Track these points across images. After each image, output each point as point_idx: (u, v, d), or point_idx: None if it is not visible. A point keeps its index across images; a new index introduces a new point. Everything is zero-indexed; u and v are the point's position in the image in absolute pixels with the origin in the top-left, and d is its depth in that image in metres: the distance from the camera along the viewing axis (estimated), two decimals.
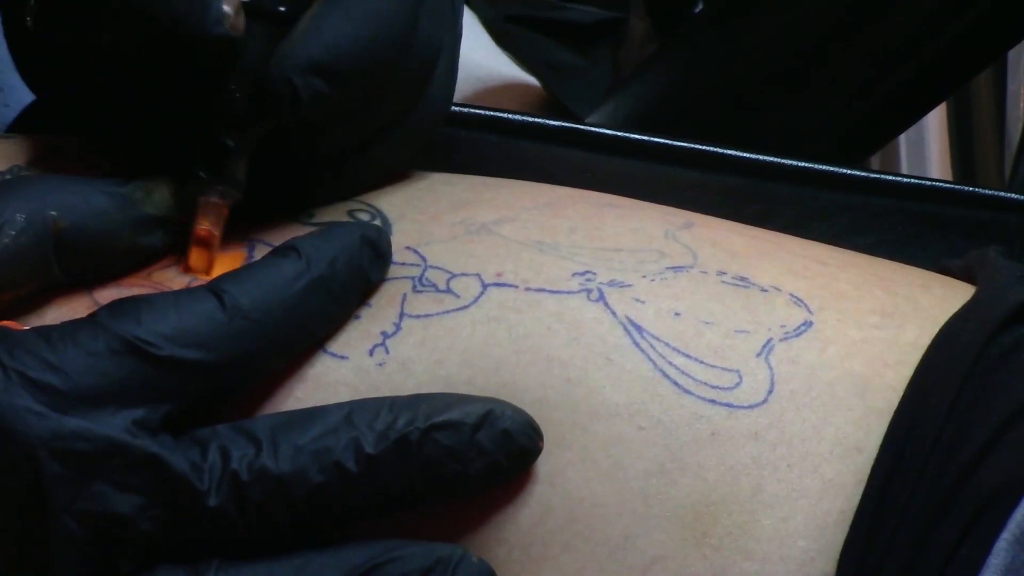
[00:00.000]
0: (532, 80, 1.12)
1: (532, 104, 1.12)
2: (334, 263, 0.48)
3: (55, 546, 0.44)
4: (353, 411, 0.46)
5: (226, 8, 0.49)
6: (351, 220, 0.51)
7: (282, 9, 0.50)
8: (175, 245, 0.51)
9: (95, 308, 0.47)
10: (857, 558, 0.46)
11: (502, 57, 1.12)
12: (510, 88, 1.13)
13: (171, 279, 0.51)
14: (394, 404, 0.46)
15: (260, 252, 0.51)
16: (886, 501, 0.47)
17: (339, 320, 0.49)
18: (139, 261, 0.51)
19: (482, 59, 1.12)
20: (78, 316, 0.47)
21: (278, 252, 0.48)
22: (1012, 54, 1.18)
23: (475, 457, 0.46)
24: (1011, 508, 0.46)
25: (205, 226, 0.50)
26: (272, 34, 0.50)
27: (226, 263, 0.51)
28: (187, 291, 0.46)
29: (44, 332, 0.45)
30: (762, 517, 0.47)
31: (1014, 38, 0.86)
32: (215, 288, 0.46)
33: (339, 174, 0.54)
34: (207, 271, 0.51)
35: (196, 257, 0.50)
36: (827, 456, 0.48)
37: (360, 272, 0.49)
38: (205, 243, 0.50)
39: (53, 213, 0.48)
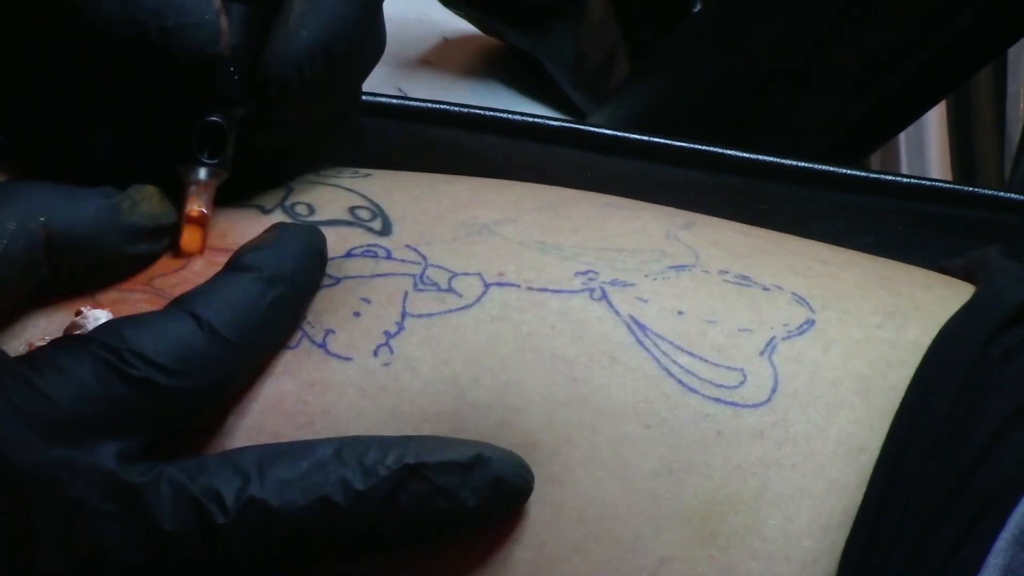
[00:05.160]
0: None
1: (498, 59, 1.12)
2: (294, 277, 0.48)
3: (40, 573, 0.44)
4: (343, 447, 0.46)
5: (223, 25, 0.49)
6: (301, 228, 0.51)
7: (246, 8, 0.50)
8: (168, 250, 0.51)
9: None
10: (859, 558, 0.46)
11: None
12: (473, 40, 1.13)
13: (173, 286, 0.50)
14: (384, 442, 0.46)
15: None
16: (888, 501, 0.47)
17: (293, 330, 0.49)
18: (131, 268, 0.51)
19: (444, 17, 1.12)
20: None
21: (238, 268, 0.48)
22: (1012, 54, 1.18)
23: (466, 497, 0.46)
24: (1011, 508, 0.47)
25: (197, 207, 0.50)
26: (248, 13, 0.51)
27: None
28: (166, 314, 0.46)
29: (29, 358, 0.45)
30: (768, 517, 0.47)
31: (1014, 36, 0.86)
32: (191, 310, 0.46)
33: (278, 167, 0.55)
34: (200, 251, 0.51)
35: (188, 238, 0.51)
36: (831, 456, 0.48)
37: (313, 281, 0.50)
38: (198, 223, 0.51)
39: (42, 220, 0.48)
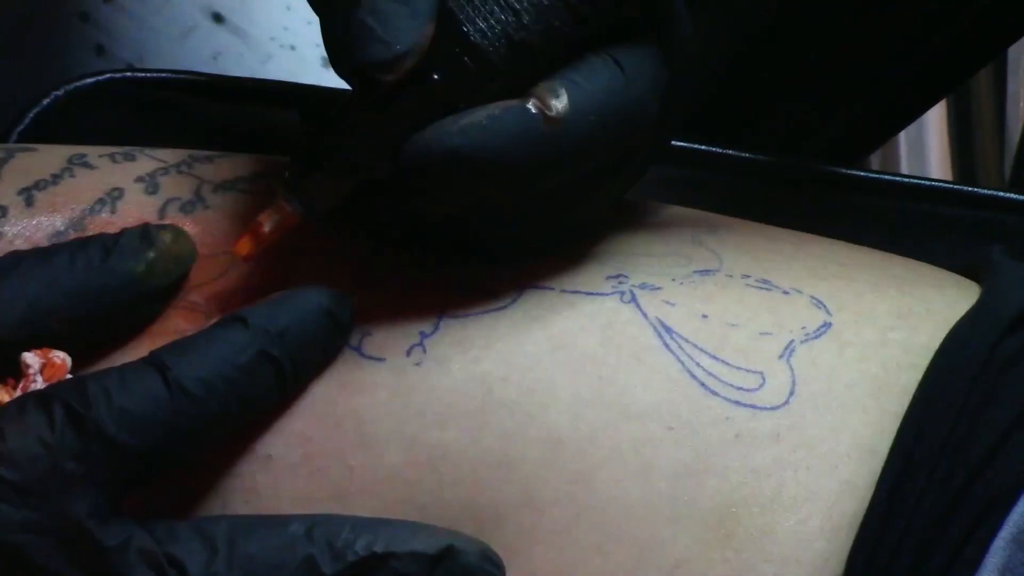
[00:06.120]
0: None
1: None
2: (284, 335, 0.47)
3: None
4: (315, 525, 0.45)
5: (406, 63, 0.46)
6: (314, 288, 0.49)
7: (436, 77, 0.47)
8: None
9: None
10: (866, 560, 0.47)
11: None
12: None
13: (207, 297, 0.51)
14: (356, 524, 0.46)
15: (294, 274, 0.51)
16: (895, 503, 0.47)
17: (290, 391, 0.48)
18: (144, 324, 0.50)
19: None
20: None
21: (227, 321, 0.47)
22: (1012, 54, 1.18)
23: None
24: (1010, 507, 0.47)
25: (263, 224, 0.49)
26: (424, 99, 0.47)
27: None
28: (132, 367, 0.46)
29: None
30: (782, 519, 0.48)
31: (1014, 36, 0.85)
32: (160, 364, 0.46)
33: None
34: (247, 258, 0.50)
35: (242, 243, 0.49)
36: (844, 458, 0.48)
37: (315, 344, 0.48)
38: (255, 236, 0.49)
39: (54, 310, 0.48)
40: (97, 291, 0.49)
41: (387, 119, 0.47)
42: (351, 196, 0.49)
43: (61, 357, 0.47)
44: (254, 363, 0.47)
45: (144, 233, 0.50)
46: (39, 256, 0.49)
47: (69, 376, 0.47)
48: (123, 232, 0.50)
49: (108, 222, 0.53)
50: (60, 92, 0.70)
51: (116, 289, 0.49)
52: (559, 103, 0.46)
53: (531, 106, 0.46)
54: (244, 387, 0.46)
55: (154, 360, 0.46)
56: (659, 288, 0.52)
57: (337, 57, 0.48)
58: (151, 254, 0.49)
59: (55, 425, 0.44)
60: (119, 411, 0.44)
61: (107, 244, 0.49)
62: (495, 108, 0.46)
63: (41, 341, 0.48)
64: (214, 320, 0.49)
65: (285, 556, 0.45)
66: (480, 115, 0.46)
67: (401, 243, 0.53)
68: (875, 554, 0.47)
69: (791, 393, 0.50)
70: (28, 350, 0.47)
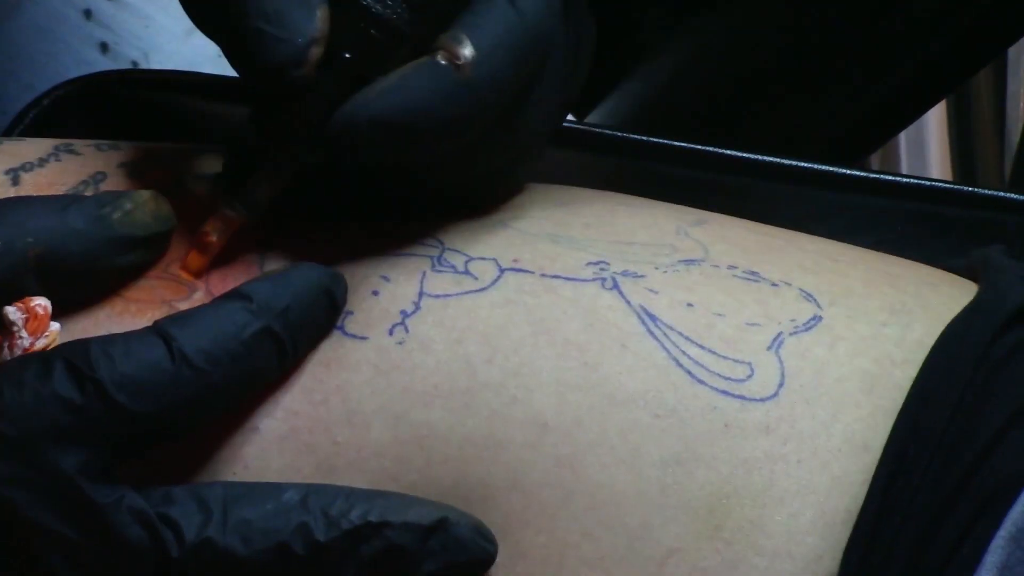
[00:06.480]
0: None
1: None
2: (287, 312, 0.48)
3: None
4: (310, 494, 0.46)
5: (311, 55, 0.48)
6: (313, 266, 0.50)
7: (347, 56, 0.49)
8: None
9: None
10: (860, 557, 0.47)
11: None
12: None
13: (179, 278, 0.51)
14: (351, 495, 0.46)
15: (271, 262, 0.52)
16: (890, 500, 0.47)
17: (288, 367, 0.49)
18: (128, 277, 0.51)
19: None
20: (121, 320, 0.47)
21: (231, 296, 0.48)
22: (1012, 54, 1.18)
23: (424, 560, 0.46)
24: (1009, 506, 0.47)
25: (210, 234, 0.50)
26: (340, 77, 0.49)
27: (236, 271, 0.51)
28: (138, 335, 0.46)
29: None
30: (773, 512, 0.48)
31: (1014, 36, 0.85)
32: (165, 334, 0.46)
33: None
34: (197, 275, 0.51)
35: (192, 259, 0.51)
36: (836, 453, 0.48)
37: (313, 322, 0.49)
38: (204, 248, 0.50)
39: (30, 240, 0.48)
40: (72, 230, 0.49)
41: (310, 107, 0.49)
42: (290, 186, 0.51)
43: (43, 305, 0.47)
44: (257, 339, 0.47)
45: (123, 192, 0.50)
46: (12, 200, 0.49)
47: (54, 324, 0.47)
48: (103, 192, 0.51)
49: None
50: (60, 91, 0.71)
51: (91, 229, 0.49)
52: (465, 50, 0.48)
53: (440, 58, 0.48)
54: (246, 362, 0.47)
55: (159, 330, 0.46)
56: (642, 276, 0.52)
57: (249, 72, 0.49)
58: (128, 204, 0.50)
59: (54, 380, 0.44)
60: (121, 375, 0.45)
61: (82, 197, 0.50)
62: (406, 69, 0.48)
63: (18, 288, 0.48)
64: (197, 294, 0.50)
65: (279, 522, 0.45)
66: (393, 78, 0.48)
67: (340, 214, 0.54)
68: (870, 552, 0.47)
69: (780, 385, 0.49)
70: (9, 303, 0.47)
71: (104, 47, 1.01)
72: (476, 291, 0.51)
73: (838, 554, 0.47)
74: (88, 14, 1.01)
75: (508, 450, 0.48)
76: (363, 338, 0.50)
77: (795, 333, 0.51)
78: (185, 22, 1.02)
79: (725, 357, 0.50)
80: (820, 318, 0.51)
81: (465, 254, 0.52)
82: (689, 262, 0.53)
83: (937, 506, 0.47)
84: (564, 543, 0.48)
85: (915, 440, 0.48)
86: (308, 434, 0.49)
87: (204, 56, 1.01)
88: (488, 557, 0.47)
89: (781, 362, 0.50)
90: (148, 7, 1.02)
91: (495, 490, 0.48)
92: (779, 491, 0.48)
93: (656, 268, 0.52)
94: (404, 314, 0.50)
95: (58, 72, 1.01)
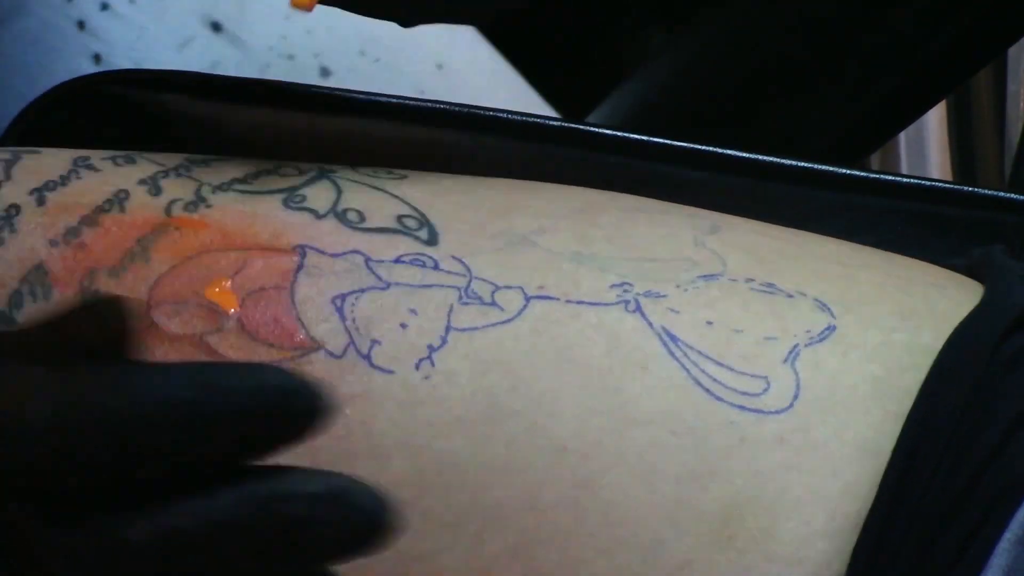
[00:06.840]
0: None
1: None
2: None
3: None
4: None
5: None
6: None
7: None
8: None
9: None
10: (867, 560, 0.47)
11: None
12: None
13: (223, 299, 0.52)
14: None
15: (312, 260, 0.52)
16: (898, 504, 0.48)
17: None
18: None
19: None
20: None
21: None
22: (1012, 54, 1.18)
23: (317, 528, 0.41)
24: (1015, 508, 0.47)
25: None
26: None
27: (269, 299, 0.51)
28: None
29: None
30: (785, 520, 0.48)
31: (1014, 36, 0.85)
32: None
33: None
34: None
35: None
36: (847, 459, 0.49)
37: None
38: None
39: None
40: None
41: None
42: None
43: None
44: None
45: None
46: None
47: None
48: None
49: (119, 219, 0.54)
50: (54, 94, 0.71)
51: None
52: None
53: None
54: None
55: None
56: (664, 296, 0.52)
57: None
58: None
59: None
60: None
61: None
62: None
63: None
64: (230, 324, 0.50)
65: None
66: None
67: None
68: (877, 554, 0.47)
69: (795, 397, 0.50)
70: None
71: (97, 58, 1.01)
72: (503, 323, 0.51)
73: (847, 558, 0.48)
74: (81, 25, 1.01)
75: (526, 475, 0.49)
76: (390, 372, 0.50)
77: (810, 344, 0.51)
78: (179, 33, 1.02)
79: (743, 373, 0.51)
80: (834, 327, 0.52)
81: (492, 283, 0.52)
82: (708, 277, 0.53)
83: (944, 509, 0.48)
84: (578, 560, 0.48)
85: (923, 444, 0.49)
86: (330, 467, 0.48)
87: (197, 67, 1.01)
88: (385, 525, 0.42)
89: (796, 374, 0.51)
90: (141, 18, 1.02)
91: (510, 511, 0.49)
92: (791, 499, 0.48)
93: (677, 286, 0.53)
94: (431, 348, 0.51)
95: (51, 83, 1.01)
